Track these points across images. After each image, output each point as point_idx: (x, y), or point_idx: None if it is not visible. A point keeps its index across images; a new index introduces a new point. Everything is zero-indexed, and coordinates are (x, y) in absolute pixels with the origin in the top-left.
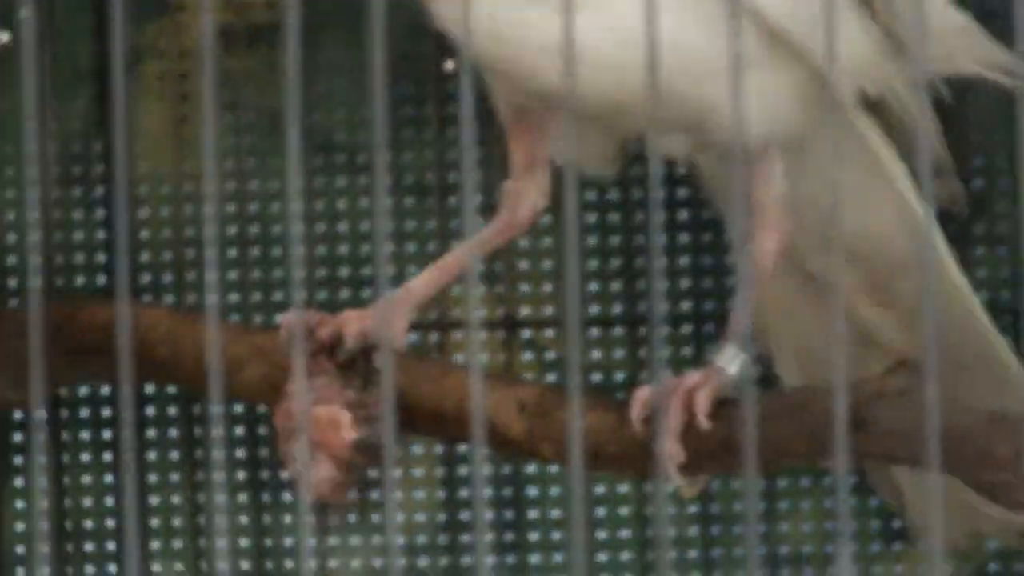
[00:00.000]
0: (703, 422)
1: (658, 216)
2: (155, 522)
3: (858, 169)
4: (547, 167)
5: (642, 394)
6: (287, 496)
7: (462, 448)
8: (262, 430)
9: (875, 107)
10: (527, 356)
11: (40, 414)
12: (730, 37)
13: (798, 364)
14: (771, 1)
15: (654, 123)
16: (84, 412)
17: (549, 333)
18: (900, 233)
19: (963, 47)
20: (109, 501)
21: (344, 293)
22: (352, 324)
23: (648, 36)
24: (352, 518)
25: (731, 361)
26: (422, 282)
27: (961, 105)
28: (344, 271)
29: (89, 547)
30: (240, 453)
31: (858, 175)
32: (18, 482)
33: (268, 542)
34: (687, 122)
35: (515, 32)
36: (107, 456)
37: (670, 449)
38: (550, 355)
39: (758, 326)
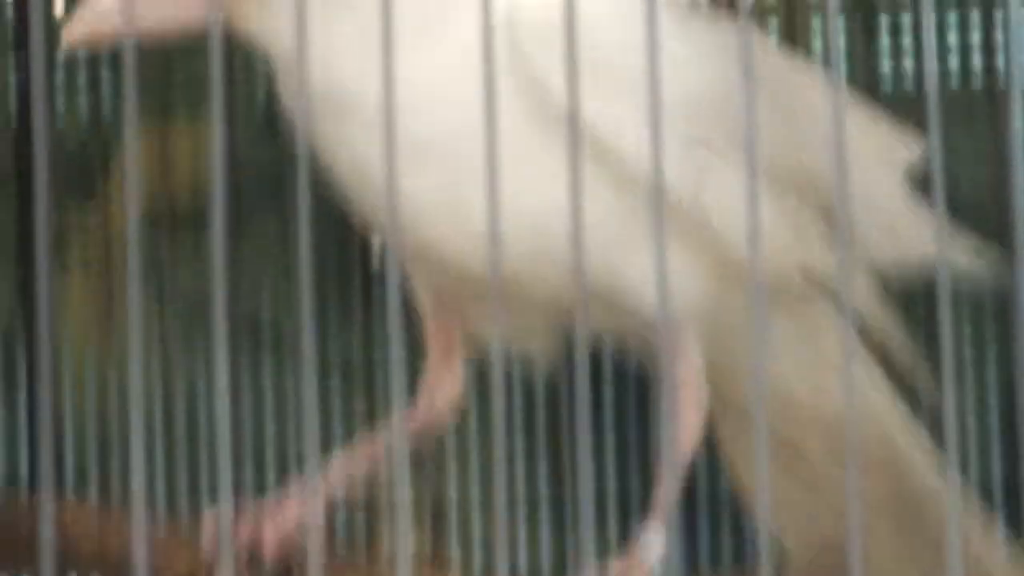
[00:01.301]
0: None
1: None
2: None
3: (806, 343)
4: (462, 356)
5: None
6: None
7: None
8: None
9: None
10: (454, 538)
11: None
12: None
13: (800, 536)
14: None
15: (573, 302)
16: None
17: (477, 518)
18: (865, 409)
19: (916, 235)
20: None
21: (271, 473)
22: (268, 538)
23: (574, 218)
24: None
25: (654, 540)
26: (340, 465)
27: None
28: (271, 453)
29: None
30: None
31: (818, 352)
32: None
33: None
34: (599, 296)
35: (438, 216)
36: None
37: None
38: (476, 540)
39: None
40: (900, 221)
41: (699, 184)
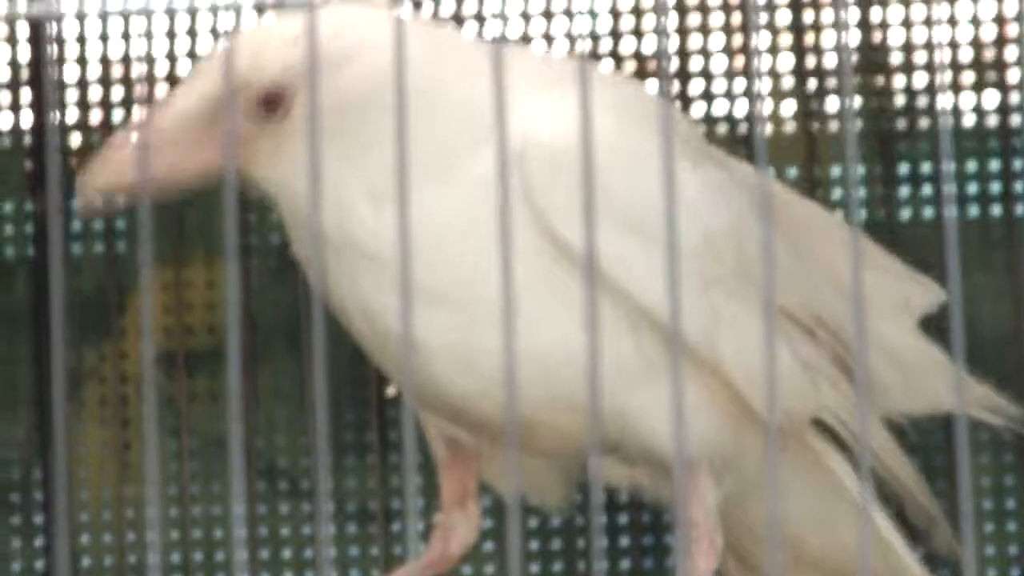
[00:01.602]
0: None
1: (600, 542)
2: None
3: (818, 489)
4: (477, 500)
5: None
6: None
7: None
8: None
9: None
10: None
11: None
12: (670, 368)
13: None
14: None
15: (587, 444)
16: None
17: None
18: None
19: (942, 385)
20: None
21: None
22: None
23: (591, 357)
24: None
25: None
26: None
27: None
28: None
29: None
30: None
31: (819, 495)
32: None
33: None
34: (610, 438)
35: (451, 361)
36: None
37: None
38: None
39: None
40: (916, 369)
41: (714, 327)
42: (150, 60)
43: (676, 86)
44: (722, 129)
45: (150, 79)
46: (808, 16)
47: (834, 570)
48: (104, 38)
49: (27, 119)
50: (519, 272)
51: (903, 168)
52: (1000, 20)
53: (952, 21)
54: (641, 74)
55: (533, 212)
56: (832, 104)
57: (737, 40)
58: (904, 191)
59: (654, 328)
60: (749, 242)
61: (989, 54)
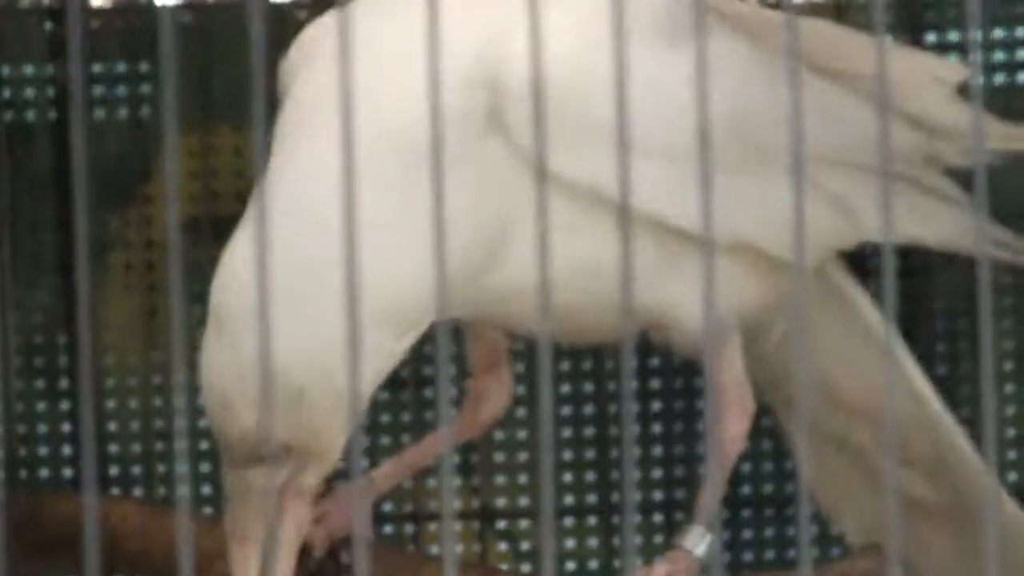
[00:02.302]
0: None
1: (630, 407)
2: None
3: (852, 333)
4: (509, 366)
5: None
6: None
7: None
8: None
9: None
10: (502, 546)
11: None
12: (701, 245)
13: (859, 524)
14: (675, 212)
15: (621, 332)
16: None
17: (525, 524)
18: (899, 390)
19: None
20: None
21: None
22: (317, 528)
23: (623, 258)
24: None
25: (698, 543)
26: (384, 473)
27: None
28: None
29: None
30: None
31: (853, 339)
32: None
33: None
34: (647, 322)
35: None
36: None
37: None
38: (525, 545)
39: (824, 491)
40: (958, 130)
41: (728, 213)
42: None
43: None
44: None
45: None
46: None
47: (867, 413)
48: None
49: None
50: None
51: (930, 37)
52: None
53: None
54: None
55: (515, 144)
56: None
57: None
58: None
59: (671, 229)
60: (754, 110)
61: None
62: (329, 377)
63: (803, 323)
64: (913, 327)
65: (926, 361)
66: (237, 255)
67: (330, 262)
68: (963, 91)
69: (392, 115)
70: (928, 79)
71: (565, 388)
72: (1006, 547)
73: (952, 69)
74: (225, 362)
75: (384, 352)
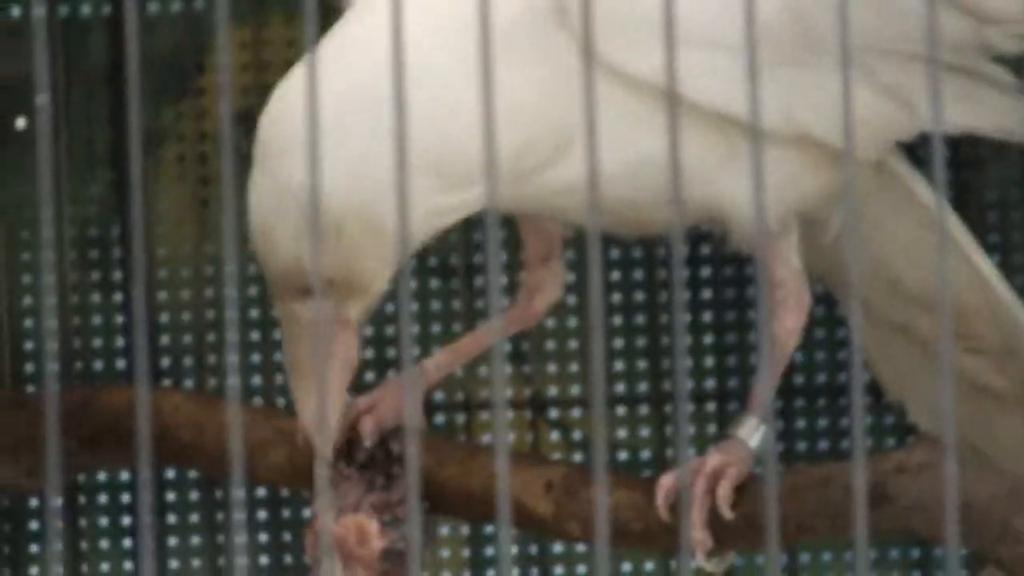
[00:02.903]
0: (726, 512)
1: (682, 295)
2: None
3: (917, 224)
4: (561, 257)
5: (666, 481)
6: None
7: (489, 528)
8: (286, 514)
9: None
10: (554, 436)
11: (56, 502)
12: (749, 132)
13: (929, 411)
14: (729, 103)
15: (674, 226)
16: (103, 498)
17: (576, 413)
18: (967, 278)
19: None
20: None
21: (369, 375)
22: (366, 419)
23: (672, 148)
24: None
25: (752, 434)
26: (436, 363)
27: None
28: (368, 353)
29: None
30: (263, 537)
31: (918, 229)
32: (34, 571)
33: None
34: (703, 216)
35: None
36: (127, 543)
37: (697, 536)
38: (577, 435)
39: (890, 378)
40: (1003, 6)
41: (789, 104)
42: None
43: None
44: None
45: None
46: None
47: (930, 300)
48: None
49: None
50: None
51: None
52: None
53: None
54: None
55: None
56: None
57: None
58: None
59: (730, 122)
60: (809, 1)
61: None
62: (368, 213)
63: (855, 214)
64: (965, 218)
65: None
66: (287, 89)
67: (380, 102)
68: None
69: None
70: None
71: (616, 276)
72: None
73: None
74: (267, 193)
75: (429, 200)
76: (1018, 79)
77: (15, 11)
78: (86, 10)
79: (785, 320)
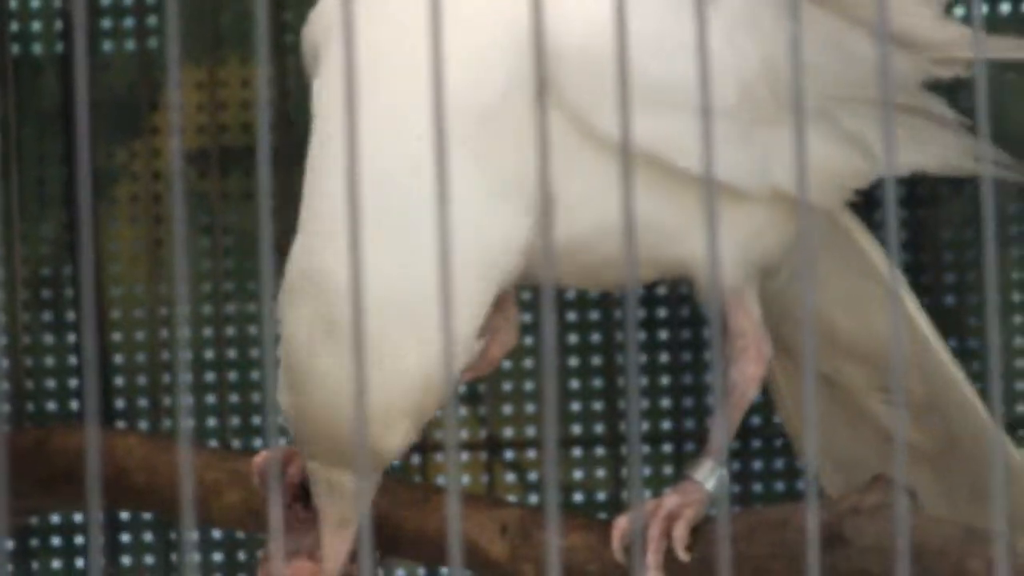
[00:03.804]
0: (682, 554)
1: (637, 335)
2: None
3: (854, 274)
4: (516, 304)
5: (621, 523)
6: None
7: (444, 571)
8: (241, 555)
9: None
10: (510, 477)
11: (4, 543)
12: (704, 196)
13: (839, 471)
14: (724, 169)
15: (632, 280)
16: (56, 541)
17: (532, 454)
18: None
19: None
20: None
21: None
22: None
23: (625, 207)
24: None
25: (708, 476)
26: None
27: (929, 223)
28: None
29: None
30: None
31: (854, 280)
32: None
33: None
34: (669, 271)
35: None
36: None
37: None
38: (533, 476)
39: (790, 424)
40: (943, 47)
41: (764, 162)
42: None
43: None
44: None
45: None
46: None
47: (865, 356)
48: None
49: None
50: (557, 163)
51: None
52: None
53: None
54: None
55: (566, 109)
56: None
57: None
58: None
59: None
60: (778, 57)
61: None
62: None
63: (813, 264)
64: (920, 257)
65: (934, 291)
66: (339, 260)
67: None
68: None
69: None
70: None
71: (571, 316)
72: (1008, 491)
73: None
74: (341, 372)
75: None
76: (953, 110)
77: None
78: (38, 48)
79: (746, 369)
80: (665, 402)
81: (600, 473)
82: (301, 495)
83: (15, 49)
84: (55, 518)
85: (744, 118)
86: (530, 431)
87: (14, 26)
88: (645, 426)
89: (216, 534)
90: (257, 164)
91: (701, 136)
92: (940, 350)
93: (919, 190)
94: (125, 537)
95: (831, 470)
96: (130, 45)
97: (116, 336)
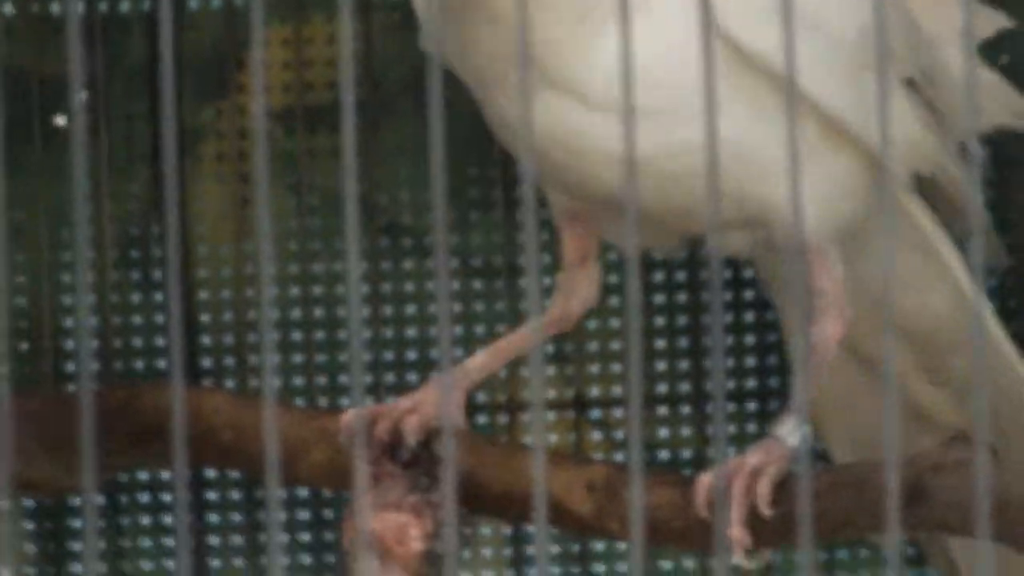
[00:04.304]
0: (765, 511)
1: (721, 296)
2: None
3: (910, 251)
4: (598, 260)
5: (705, 480)
6: None
7: (531, 528)
8: (327, 514)
9: (923, 185)
10: (596, 436)
11: (93, 499)
12: (789, 132)
13: (851, 444)
14: (826, 92)
15: (714, 224)
16: (144, 497)
17: (618, 412)
18: (952, 312)
19: (996, 102)
20: None
21: (412, 376)
22: (410, 418)
23: (709, 140)
24: None
25: (791, 433)
26: (478, 363)
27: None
28: (412, 354)
29: None
30: (305, 537)
31: (910, 257)
32: (76, 568)
33: None
34: (747, 219)
35: (577, 140)
36: (168, 542)
37: (735, 534)
38: (619, 434)
39: (813, 409)
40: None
41: (868, 108)
42: None
43: None
44: None
45: None
46: None
47: (915, 334)
48: None
49: None
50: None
51: None
52: None
53: None
54: None
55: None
56: None
57: None
58: None
59: (814, 116)
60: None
61: None
62: None
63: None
64: (1008, 217)
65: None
66: None
67: None
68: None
69: None
70: (952, 33)
71: (658, 277)
72: None
73: (985, 19)
74: None
75: None
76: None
77: (54, 7)
78: (125, 7)
79: (826, 328)
80: (750, 361)
81: (685, 431)
82: (389, 452)
83: (102, 7)
84: (143, 475)
85: (857, 59)
86: (616, 390)
87: None
88: (729, 384)
89: (302, 492)
90: (342, 122)
91: (829, 66)
92: (995, 327)
93: (1006, 150)
94: (211, 495)
95: (841, 440)
96: (216, 2)
97: (203, 295)
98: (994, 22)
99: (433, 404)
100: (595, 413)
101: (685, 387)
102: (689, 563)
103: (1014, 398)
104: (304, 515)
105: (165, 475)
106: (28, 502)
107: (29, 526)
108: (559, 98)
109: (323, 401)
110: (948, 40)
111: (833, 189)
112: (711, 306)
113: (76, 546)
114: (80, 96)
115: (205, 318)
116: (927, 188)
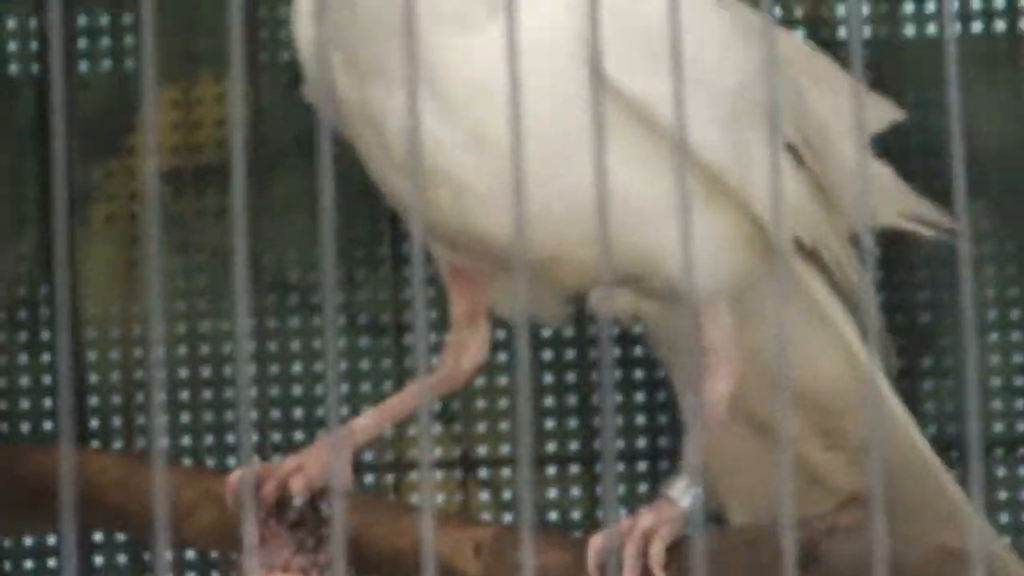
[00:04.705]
0: (658, 573)
1: (610, 353)
2: None
3: (801, 315)
4: (487, 318)
5: (596, 542)
6: None
7: None
8: None
9: (812, 255)
10: (484, 496)
11: None
12: (676, 184)
13: (747, 506)
14: (707, 144)
15: (600, 275)
16: (29, 563)
17: (507, 472)
18: (846, 377)
19: (887, 201)
20: None
21: (298, 435)
22: (296, 479)
23: (598, 189)
24: None
25: (684, 493)
26: (365, 422)
27: (903, 241)
28: (298, 413)
29: None
30: None
31: (801, 321)
32: None
33: None
34: (633, 272)
35: (459, 180)
36: None
37: None
38: (507, 494)
39: (707, 470)
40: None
41: (748, 161)
42: None
43: None
44: None
45: None
46: None
47: (817, 400)
48: None
49: None
50: (566, 117)
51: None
52: None
53: None
54: None
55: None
56: None
57: None
58: (908, 7)
59: (698, 167)
60: (757, 80)
61: None
62: None
63: (788, 295)
64: (894, 278)
65: (908, 313)
66: None
67: None
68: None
69: None
70: (848, 125)
71: (546, 332)
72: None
73: (878, 111)
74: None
75: None
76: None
77: None
78: (14, 68)
79: (717, 385)
80: (640, 419)
81: (575, 491)
82: (275, 512)
83: None
84: (28, 540)
85: (737, 110)
86: (504, 449)
87: None
88: (620, 444)
89: (190, 554)
90: (231, 182)
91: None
92: (889, 394)
93: (897, 251)
94: (99, 559)
95: (737, 502)
96: (105, 64)
97: (91, 355)
98: (889, 114)
99: (319, 463)
100: (483, 472)
101: (575, 446)
102: None
103: (908, 463)
104: None
105: (51, 540)
106: None
107: None
108: (451, 133)
109: (210, 461)
110: (841, 134)
111: (722, 243)
112: (600, 363)
113: None
114: None
115: (93, 379)
116: (821, 261)
